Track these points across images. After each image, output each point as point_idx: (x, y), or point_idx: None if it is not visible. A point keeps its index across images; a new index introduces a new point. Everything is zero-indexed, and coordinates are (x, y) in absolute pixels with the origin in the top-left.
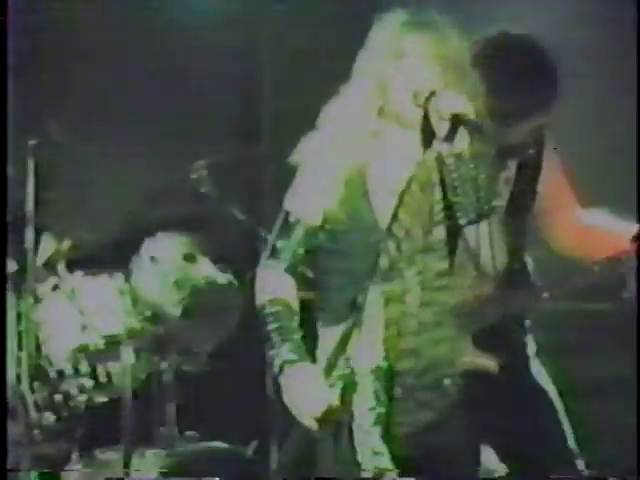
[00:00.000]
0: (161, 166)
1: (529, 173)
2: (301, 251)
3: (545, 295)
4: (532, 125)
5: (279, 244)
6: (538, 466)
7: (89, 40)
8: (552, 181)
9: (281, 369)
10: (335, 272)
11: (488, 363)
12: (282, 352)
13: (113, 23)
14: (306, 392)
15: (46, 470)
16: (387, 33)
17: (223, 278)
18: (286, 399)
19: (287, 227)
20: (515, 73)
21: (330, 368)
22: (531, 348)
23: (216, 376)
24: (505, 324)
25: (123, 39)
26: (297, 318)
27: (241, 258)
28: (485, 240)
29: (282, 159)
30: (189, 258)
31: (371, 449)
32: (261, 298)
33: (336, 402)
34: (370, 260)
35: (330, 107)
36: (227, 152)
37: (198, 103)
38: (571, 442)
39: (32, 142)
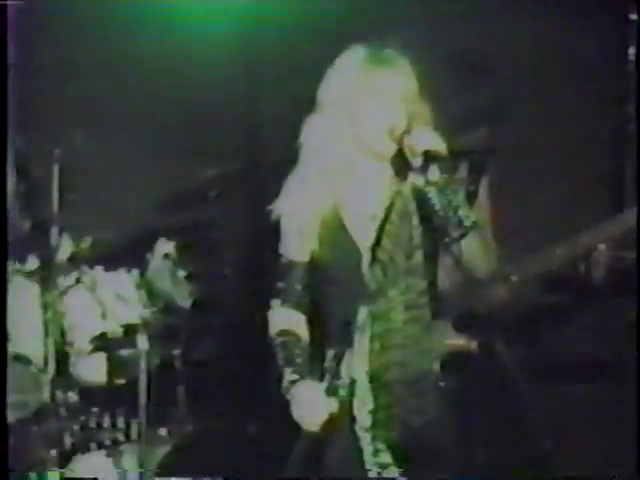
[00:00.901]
0: (172, 175)
1: (474, 178)
2: (299, 287)
3: (514, 279)
4: (479, 135)
5: (279, 285)
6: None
7: (106, 53)
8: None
9: (287, 389)
10: (329, 298)
11: (468, 344)
12: (287, 374)
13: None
14: (308, 405)
15: (48, 472)
16: (352, 68)
17: (230, 273)
18: (294, 413)
19: (283, 269)
20: (460, 82)
21: (330, 381)
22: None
23: (221, 361)
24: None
25: (138, 58)
26: (303, 345)
27: (243, 256)
28: (469, 249)
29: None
30: (198, 255)
31: (373, 447)
32: (272, 332)
33: (335, 410)
34: (358, 284)
35: (304, 138)
36: (232, 165)
37: (206, 124)
38: (532, 419)
39: (57, 150)
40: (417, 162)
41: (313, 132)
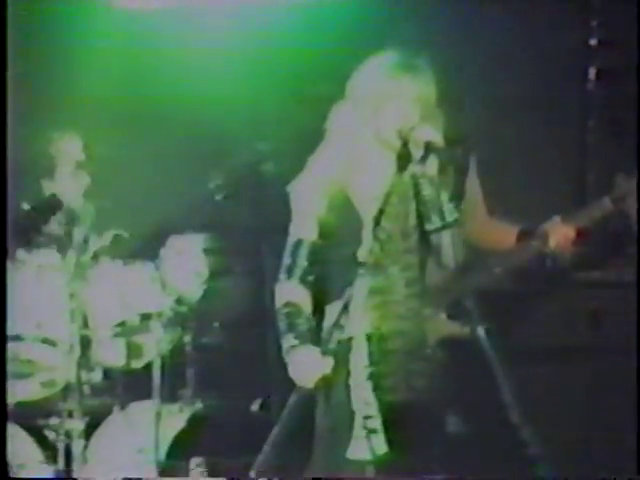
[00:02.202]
0: (183, 178)
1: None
2: (305, 263)
3: (497, 270)
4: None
5: (287, 261)
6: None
7: (122, 69)
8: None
9: (287, 352)
10: (332, 262)
11: (462, 330)
12: (288, 340)
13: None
14: (303, 367)
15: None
16: (380, 72)
17: (235, 267)
18: (290, 373)
19: (291, 246)
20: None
21: (325, 340)
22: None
23: (228, 346)
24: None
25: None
26: (305, 315)
27: (247, 253)
28: (448, 244)
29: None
30: (207, 252)
31: (363, 399)
32: (277, 304)
33: (329, 370)
34: (357, 252)
35: (332, 120)
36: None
37: (215, 135)
38: (506, 398)
39: (81, 157)
40: (419, 153)
41: (338, 118)
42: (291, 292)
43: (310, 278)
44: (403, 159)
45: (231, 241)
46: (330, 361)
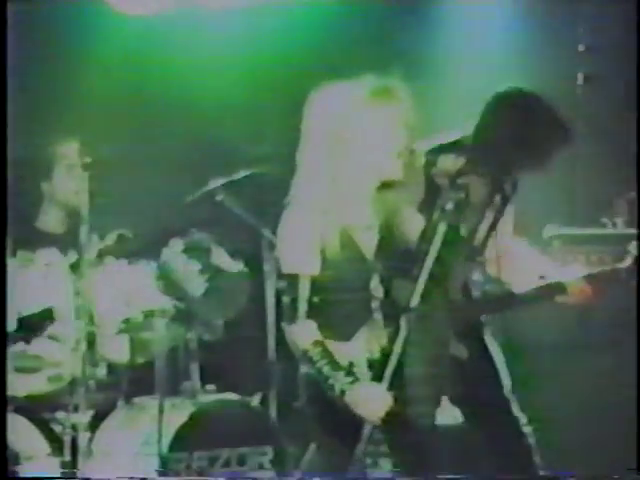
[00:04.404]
0: (185, 180)
1: (502, 206)
2: (315, 300)
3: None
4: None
5: (295, 300)
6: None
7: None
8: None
9: (342, 392)
10: (337, 304)
11: (462, 352)
12: (341, 378)
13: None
14: (371, 403)
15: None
16: (357, 98)
17: (235, 267)
18: (359, 411)
19: (296, 284)
20: (524, 127)
21: (387, 377)
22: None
23: (229, 342)
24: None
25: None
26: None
27: (248, 251)
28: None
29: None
30: (208, 251)
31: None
32: (303, 343)
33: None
34: (361, 289)
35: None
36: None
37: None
38: (507, 392)
39: (87, 160)
40: (444, 181)
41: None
42: (307, 330)
43: (317, 313)
44: (426, 188)
45: (231, 241)
46: (391, 395)
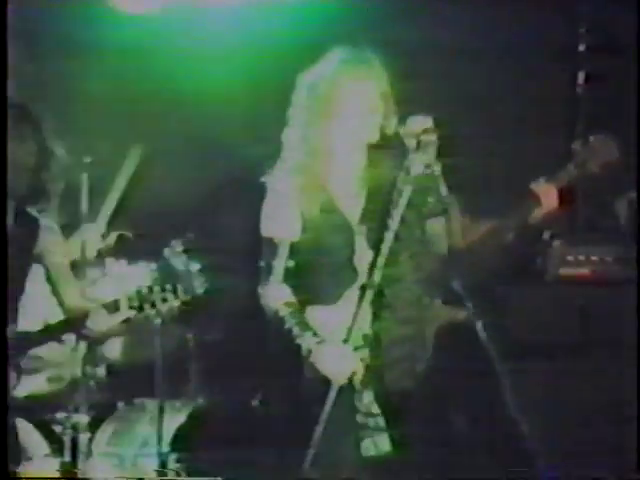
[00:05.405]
0: (185, 179)
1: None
2: (290, 264)
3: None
4: None
5: (271, 263)
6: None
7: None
8: None
9: (310, 351)
10: (319, 268)
11: (458, 314)
12: (308, 338)
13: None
14: (337, 362)
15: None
16: (334, 68)
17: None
18: (323, 370)
19: (274, 248)
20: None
21: (352, 339)
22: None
23: (228, 343)
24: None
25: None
26: (304, 313)
27: (248, 250)
28: (442, 230)
29: None
30: (208, 251)
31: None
32: (274, 304)
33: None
34: (346, 253)
35: (290, 132)
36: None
37: (215, 136)
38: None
39: (87, 160)
40: (412, 144)
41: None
42: (281, 292)
43: (294, 280)
44: (394, 152)
45: (231, 241)
46: (358, 356)
